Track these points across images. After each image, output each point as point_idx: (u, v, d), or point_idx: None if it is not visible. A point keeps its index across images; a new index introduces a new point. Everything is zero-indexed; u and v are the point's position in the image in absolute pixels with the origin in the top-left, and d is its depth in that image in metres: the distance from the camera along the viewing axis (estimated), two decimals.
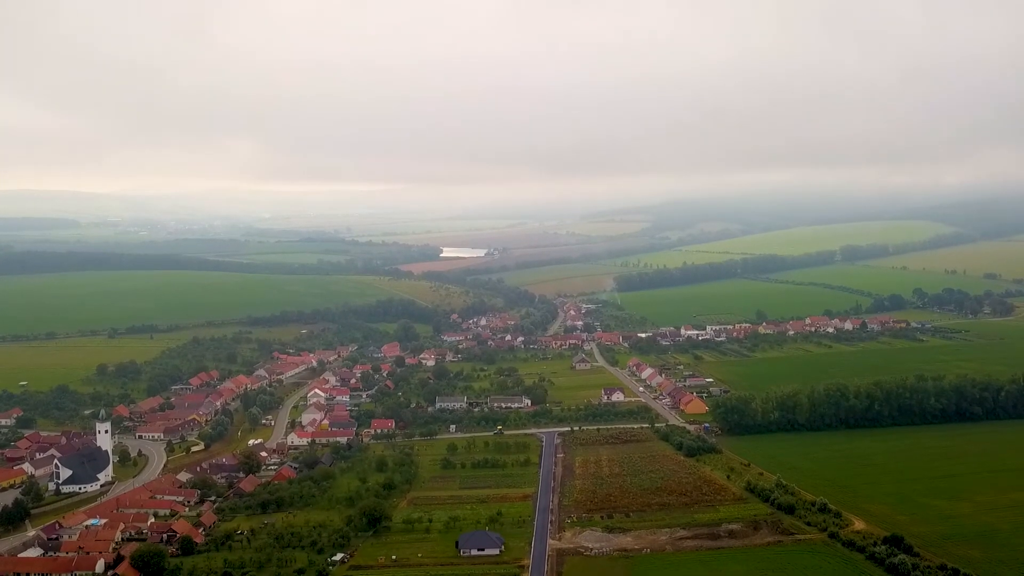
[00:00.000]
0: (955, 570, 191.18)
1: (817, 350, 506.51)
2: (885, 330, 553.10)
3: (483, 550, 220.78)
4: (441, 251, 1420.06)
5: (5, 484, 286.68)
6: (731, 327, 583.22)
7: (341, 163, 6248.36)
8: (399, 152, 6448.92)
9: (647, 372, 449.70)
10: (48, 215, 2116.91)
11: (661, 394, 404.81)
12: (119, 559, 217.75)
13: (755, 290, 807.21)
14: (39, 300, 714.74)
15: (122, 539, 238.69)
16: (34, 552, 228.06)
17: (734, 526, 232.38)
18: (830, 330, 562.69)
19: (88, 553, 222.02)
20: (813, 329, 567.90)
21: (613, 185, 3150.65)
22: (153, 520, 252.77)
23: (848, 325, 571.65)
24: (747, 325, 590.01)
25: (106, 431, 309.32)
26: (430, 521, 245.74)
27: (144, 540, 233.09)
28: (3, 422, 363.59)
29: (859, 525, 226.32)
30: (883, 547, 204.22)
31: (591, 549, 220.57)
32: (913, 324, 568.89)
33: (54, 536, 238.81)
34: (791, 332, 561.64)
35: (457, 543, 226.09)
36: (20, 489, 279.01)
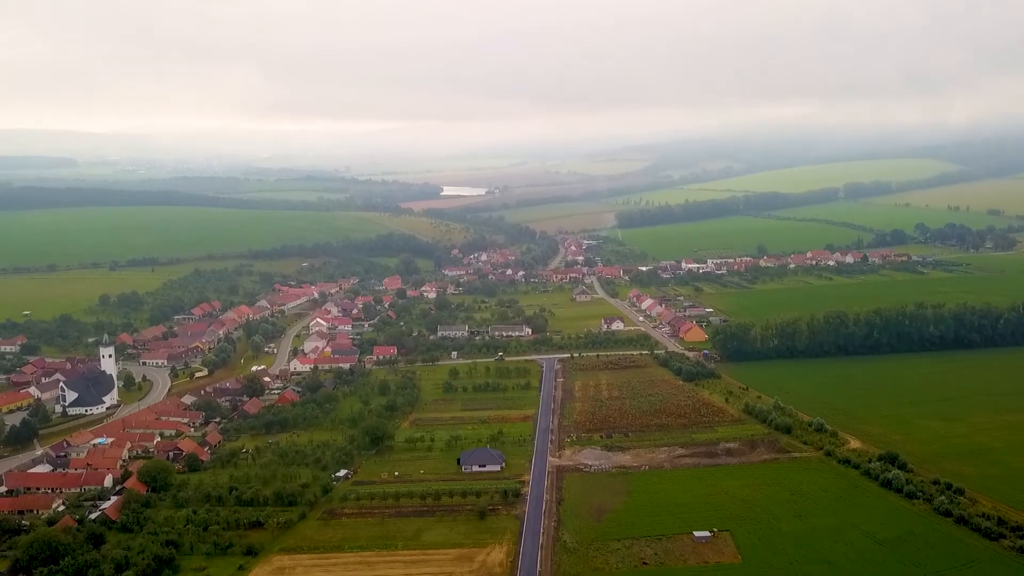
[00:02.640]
0: (948, 484, 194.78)
1: (818, 282, 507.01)
2: (886, 263, 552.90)
3: (484, 466, 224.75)
4: (442, 190, 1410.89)
5: (12, 407, 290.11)
6: (732, 261, 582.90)
7: (340, 95, 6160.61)
8: (398, 84, 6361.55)
9: (647, 303, 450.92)
10: (45, 154, 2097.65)
11: (661, 323, 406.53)
12: (127, 475, 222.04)
13: (757, 226, 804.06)
14: (39, 234, 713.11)
15: (129, 457, 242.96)
16: (43, 468, 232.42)
17: (731, 445, 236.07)
18: (831, 263, 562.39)
19: (96, 469, 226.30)
20: (814, 262, 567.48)
21: (615, 121, 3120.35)
22: (159, 439, 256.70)
23: (849, 258, 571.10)
24: (748, 259, 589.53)
25: (110, 355, 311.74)
26: (432, 440, 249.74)
27: (151, 458, 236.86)
28: (8, 349, 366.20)
29: (855, 444, 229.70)
30: (878, 464, 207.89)
31: (590, 466, 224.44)
32: (914, 258, 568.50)
33: (62, 454, 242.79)
34: (792, 265, 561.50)
35: (459, 460, 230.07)
36: (27, 411, 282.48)
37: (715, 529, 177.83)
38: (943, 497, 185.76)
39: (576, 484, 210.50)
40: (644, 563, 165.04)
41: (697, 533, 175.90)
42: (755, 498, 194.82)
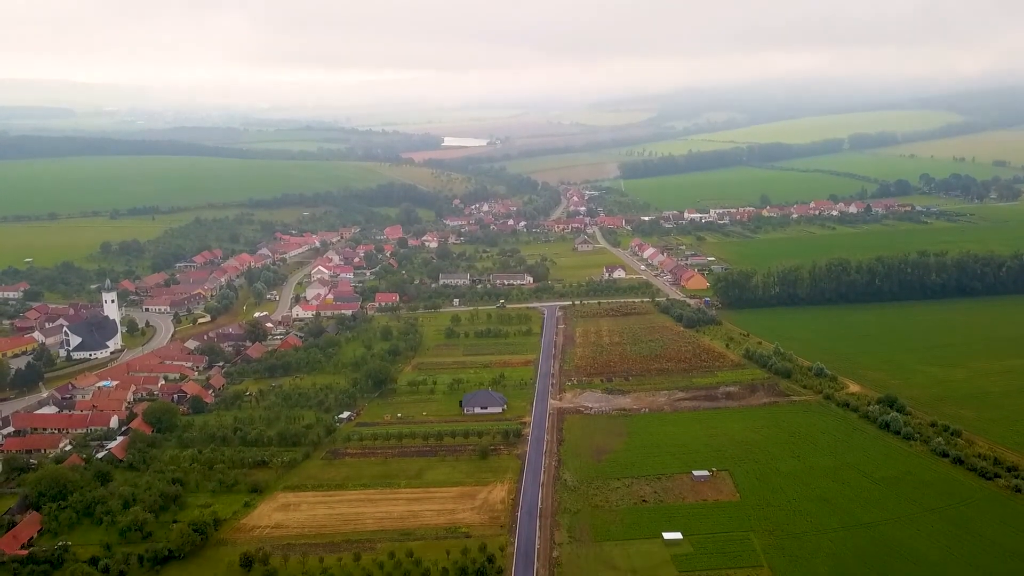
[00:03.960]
0: (945, 426, 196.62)
1: (820, 232, 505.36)
2: (890, 213, 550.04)
3: (486, 408, 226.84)
4: (442, 140, 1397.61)
5: (17, 351, 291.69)
6: (735, 211, 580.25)
7: (338, 45, 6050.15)
8: (398, 31, 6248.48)
9: (649, 252, 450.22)
10: (42, 104, 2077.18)
11: (662, 272, 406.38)
12: (132, 416, 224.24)
13: (760, 177, 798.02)
14: (39, 183, 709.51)
15: (134, 399, 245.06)
16: (50, 410, 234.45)
17: (731, 389, 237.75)
18: (834, 213, 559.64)
19: (102, 411, 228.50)
20: (817, 212, 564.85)
21: (620, 71, 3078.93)
22: (163, 383, 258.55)
23: (853, 208, 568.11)
24: (751, 209, 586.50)
25: (112, 300, 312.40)
26: (434, 383, 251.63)
27: (155, 400, 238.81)
28: (11, 294, 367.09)
29: (854, 388, 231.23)
30: (876, 407, 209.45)
31: (591, 408, 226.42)
32: (918, 208, 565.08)
33: (68, 396, 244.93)
34: (795, 215, 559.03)
35: (461, 402, 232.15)
36: (31, 355, 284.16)
37: (714, 469, 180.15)
38: (940, 439, 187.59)
39: (576, 425, 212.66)
40: (643, 501, 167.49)
41: (696, 472, 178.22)
42: (754, 440, 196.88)
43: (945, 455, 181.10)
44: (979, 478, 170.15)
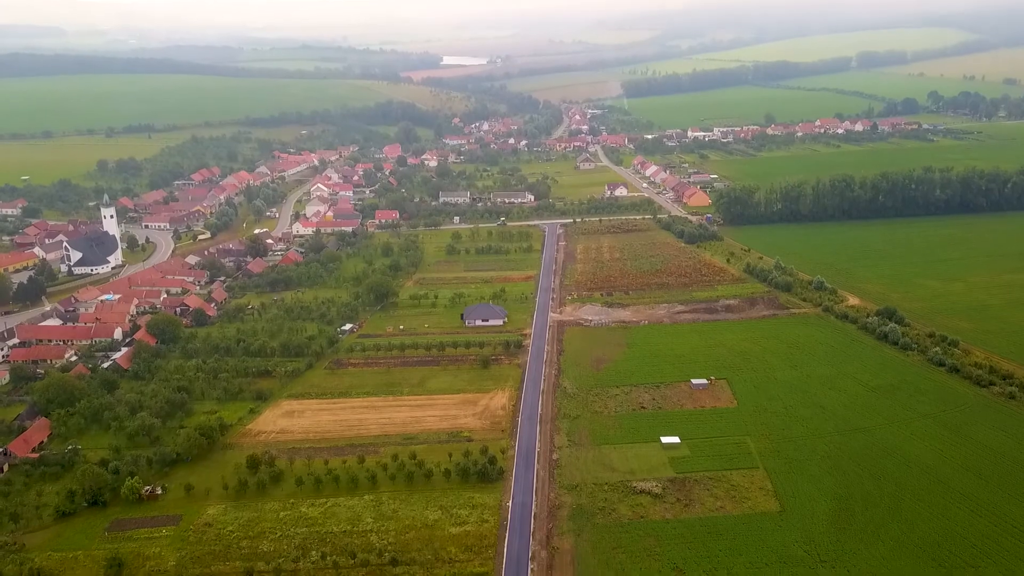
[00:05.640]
0: (943, 337, 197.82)
1: (825, 150, 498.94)
2: (896, 131, 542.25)
3: (487, 321, 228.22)
4: (442, 59, 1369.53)
5: (18, 266, 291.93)
6: (738, 129, 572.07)
7: None
8: None
9: (651, 170, 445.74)
10: (31, 23, 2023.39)
11: (664, 189, 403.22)
12: (135, 328, 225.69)
13: (765, 96, 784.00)
14: (31, 101, 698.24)
15: (136, 312, 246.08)
16: (53, 322, 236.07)
17: (731, 302, 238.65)
18: (840, 132, 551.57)
19: (105, 323, 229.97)
20: (822, 130, 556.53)
21: None
22: (165, 296, 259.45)
23: (859, 127, 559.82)
24: (755, 127, 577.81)
25: (111, 216, 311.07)
26: (435, 297, 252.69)
27: (158, 313, 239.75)
28: (9, 211, 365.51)
29: (853, 301, 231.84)
30: (875, 319, 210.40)
31: (590, 321, 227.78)
32: (925, 126, 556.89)
33: (71, 309, 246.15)
34: (799, 133, 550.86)
35: (462, 315, 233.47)
36: (33, 271, 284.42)
37: (712, 377, 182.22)
38: (937, 349, 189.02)
39: (576, 337, 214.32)
40: (642, 407, 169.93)
41: (694, 381, 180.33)
42: (752, 350, 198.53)
43: (941, 364, 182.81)
44: (974, 386, 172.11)
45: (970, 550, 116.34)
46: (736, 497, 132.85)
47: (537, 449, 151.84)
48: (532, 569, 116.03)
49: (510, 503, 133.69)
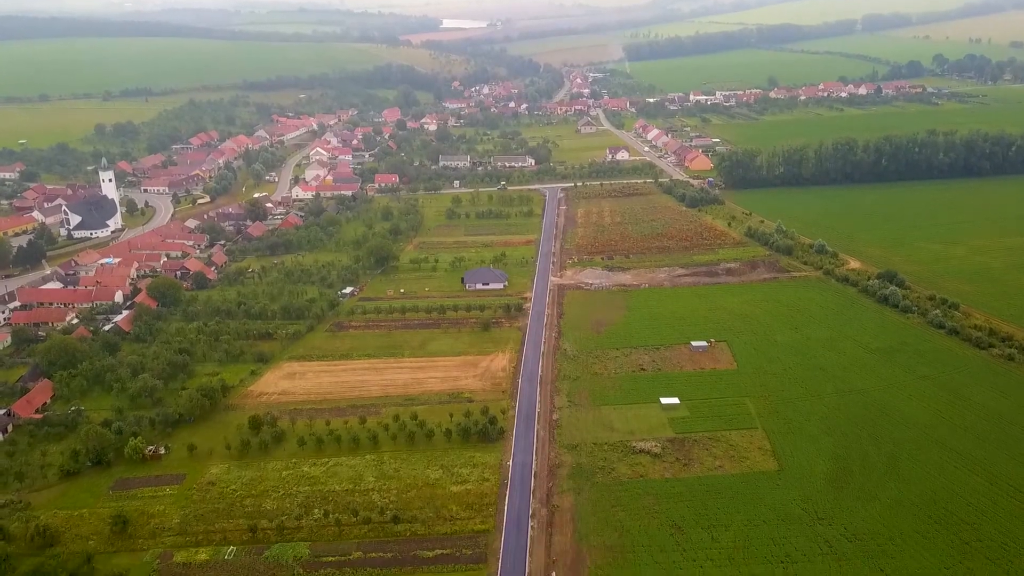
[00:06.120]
0: (943, 299, 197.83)
1: (828, 114, 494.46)
2: (900, 95, 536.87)
3: (488, 284, 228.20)
4: (441, 22, 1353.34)
5: (17, 230, 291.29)
6: (741, 93, 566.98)
7: None
8: None
9: (653, 133, 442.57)
10: None
11: (666, 153, 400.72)
12: (136, 291, 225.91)
13: (768, 59, 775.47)
14: (26, 64, 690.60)
15: (137, 276, 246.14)
16: (54, 285, 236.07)
17: (732, 265, 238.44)
18: (843, 95, 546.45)
19: (106, 286, 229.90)
20: (826, 94, 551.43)
21: None
22: (166, 260, 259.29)
23: (863, 90, 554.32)
24: (757, 91, 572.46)
25: (110, 180, 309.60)
26: (436, 261, 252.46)
27: (158, 276, 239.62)
28: (7, 175, 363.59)
29: (855, 264, 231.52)
30: (876, 282, 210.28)
31: (591, 284, 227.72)
32: (929, 89, 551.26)
33: (71, 272, 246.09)
34: (802, 97, 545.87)
35: (463, 279, 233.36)
36: (32, 234, 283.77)
37: (712, 340, 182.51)
38: (937, 311, 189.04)
39: (577, 300, 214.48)
40: (642, 369, 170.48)
41: (694, 343, 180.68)
42: (753, 313, 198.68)
43: (941, 326, 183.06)
44: (973, 347, 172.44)
45: (966, 508, 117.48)
46: (735, 457, 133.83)
47: (537, 410, 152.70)
48: (532, 526, 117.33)
49: (510, 462, 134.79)
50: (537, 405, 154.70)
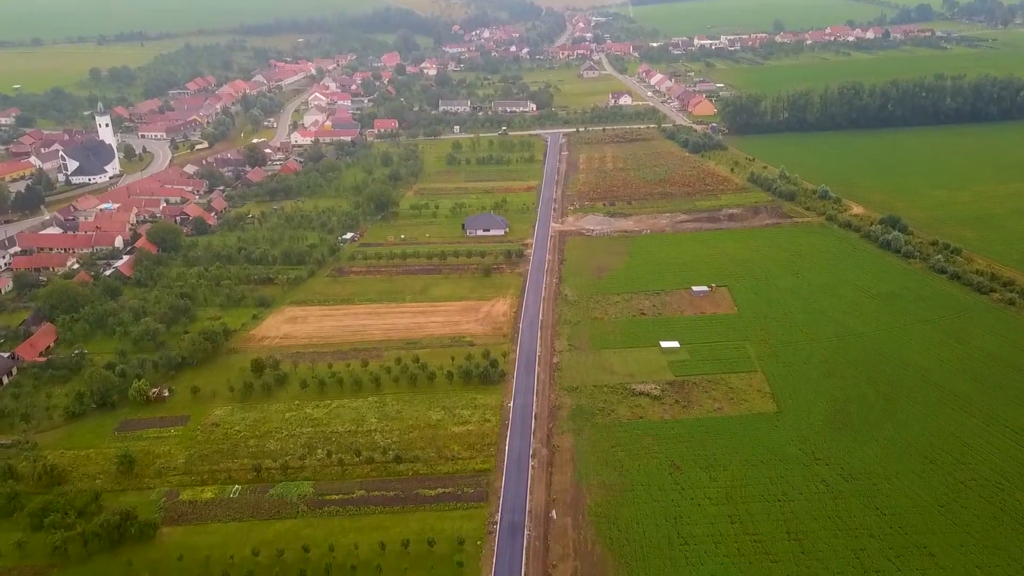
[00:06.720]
0: (945, 245, 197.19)
1: (835, 58, 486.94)
2: (908, 39, 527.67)
3: (488, 231, 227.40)
4: None
5: (15, 175, 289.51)
6: (746, 37, 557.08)
7: None
8: None
9: (656, 78, 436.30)
10: None
11: (670, 98, 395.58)
12: (136, 237, 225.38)
13: (774, 3, 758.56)
14: (17, 7, 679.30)
15: (136, 221, 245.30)
16: (54, 230, 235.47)
17: (734, 211, 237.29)
18: (850, 39, 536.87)
19: (106, 232, 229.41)
20: (832, 38, 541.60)
21: None
22: (165, 205, 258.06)
23: (870, 34, 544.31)
24: (763, 35, 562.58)
25: (107, 125, 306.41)
26: (436, 207, 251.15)
27: (158, 222, 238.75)
28: (2, 120, 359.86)
29: (858, 210, 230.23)
30: (878, 227, 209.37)
31: (592, 231, 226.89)
32: (938, 33, 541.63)
33: (70, 218, 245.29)
34: (809, 41, 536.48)
35: (463, 225, 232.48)
36: (30, 180, 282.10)
37: (713, 285, 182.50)
38: (940, 256, 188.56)
39: (578, 246, 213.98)
40: (642, 313, 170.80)
41: (695, 288, 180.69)
42: (754, 259, 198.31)
43: (943, 271, 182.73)
44: (974, 292, 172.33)
45: (961, 448, 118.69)
46: (734, 399, 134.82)
47: (538, 353, 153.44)
48: (532, 466, 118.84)
49: (511, 404, 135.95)
50: (538, 349, 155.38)
